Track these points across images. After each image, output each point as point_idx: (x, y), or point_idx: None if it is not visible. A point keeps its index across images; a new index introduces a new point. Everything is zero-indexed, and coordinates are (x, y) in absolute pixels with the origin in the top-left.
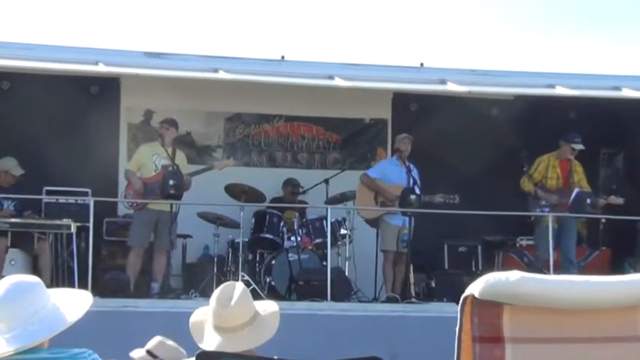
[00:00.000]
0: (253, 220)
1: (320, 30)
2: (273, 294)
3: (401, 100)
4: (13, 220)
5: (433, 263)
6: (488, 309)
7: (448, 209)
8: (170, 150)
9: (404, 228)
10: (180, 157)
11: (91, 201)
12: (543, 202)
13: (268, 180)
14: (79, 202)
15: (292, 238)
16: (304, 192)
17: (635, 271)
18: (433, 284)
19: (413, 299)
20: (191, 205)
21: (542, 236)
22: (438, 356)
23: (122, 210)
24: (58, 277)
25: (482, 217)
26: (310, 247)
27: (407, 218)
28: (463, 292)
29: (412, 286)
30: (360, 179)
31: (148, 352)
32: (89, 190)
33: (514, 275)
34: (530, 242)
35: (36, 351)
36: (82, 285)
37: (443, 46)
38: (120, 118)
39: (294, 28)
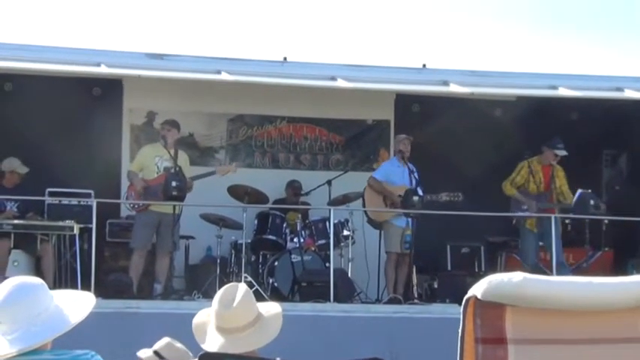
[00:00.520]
0: (256, 221)
1: (322, 31)
2: (276, 295)
3: (403, 101)
4: (16, 221)
5: (436, 264)
6: (491, 310)
7: (453, 207)
8: (172, 151)
9: (407, 229)
10: (183, 159)
11: (93, 202)
12: (525, 207)
13: (271, 181)
14: (82, 203)
15: (295, 240)
16: (306, 194)
17: (638, 272)
18: (436, 285)
19: (416, 300)
20: (194, 207)
21: (526, 239)
22: (441, 358)
23: (125, 211)
24: (61, 279)
25: (485, 218)
26: (313, 249)
27: (410, 219)
28: (466, 293)
29: (415, 288)
30: (368, 183)
31: (155, 352)
32: (92, 192)
33: (517, 276)
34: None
35: (39, 352)
36: (85, 286)
37: (445, 48)
38: (122, 119)
39: (297, 30)
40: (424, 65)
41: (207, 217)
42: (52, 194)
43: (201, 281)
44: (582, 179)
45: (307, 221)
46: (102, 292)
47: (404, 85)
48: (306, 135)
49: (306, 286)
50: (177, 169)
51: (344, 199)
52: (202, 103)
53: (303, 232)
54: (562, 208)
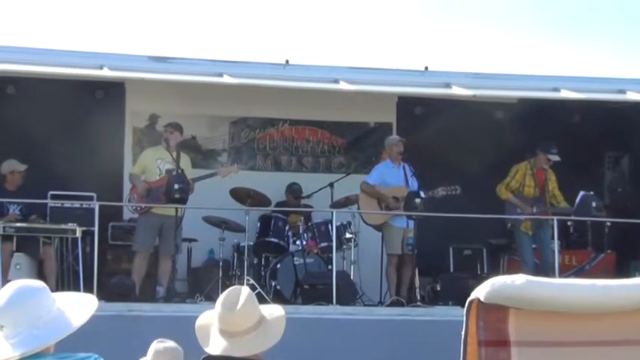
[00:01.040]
0: (258, 224)
1: (324, 34)
2: (279, 298)
3: (405, 104)
4: (18, 224)
5: (438, 266)
6: (494, 313)
7: (453, 202)
8: (175, 154)
9: (409, 231)
10: (185, 161)
11: (96, 205)
12: (519, 211)
13: (273, 184)
14: (84, 206)
15: (297, 242)
16: (308, 196)
17: None
18: (438, 288)
19: (418, 303)
20: (196, 209)
21: (522, 242)
22: None
23: (127, 214)
24: (64, 282)
25: (487, 220)
26: (315, 251)
27: (410, 220)
28: (468, 295)
29: (417, 290)
30: (361, 188)
31: None
32: (94, 195)
33: (520, 279)
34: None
35: (42, 355)
36: (88, 289)
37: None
38: (125, 122)
39: (299, 32)
40: (426, 68)
41: (209, 220)
42: (54, 197)
43: (203, 284)
44: (584, 181)
45: (309, 224)
46: (104, 294)
47: (406, 87)
48: (308, 137)
49: (309, 289)
50: (180, 171)
51: (346, 202)
52: (205, 106)
53: (305, 235)
54: (561, 212)
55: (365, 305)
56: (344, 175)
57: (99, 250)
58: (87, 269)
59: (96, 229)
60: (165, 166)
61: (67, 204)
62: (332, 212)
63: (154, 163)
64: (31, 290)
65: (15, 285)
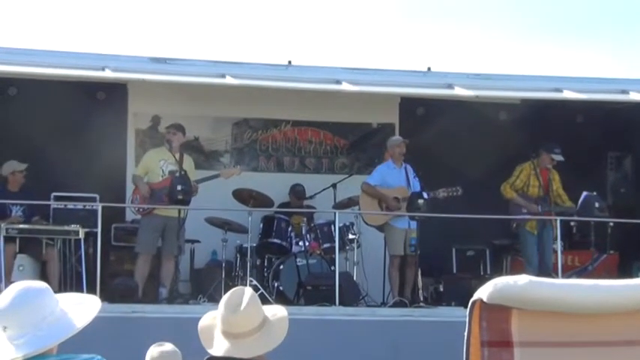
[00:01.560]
0: (261, 225)
1: (326, 35)
2: (282, 299)
3: (408, 105)
4: (21, 225)
5: (441, 267)
6: (497, 313)
7: (452, 203)
8: (177, 155)
9: (411, 231)
10: (188, 162)
11: (98, 207)
12: (524, 210)
13: (276, 185)
14: (87, 207)
15: (300, 243)
16: (310, 197)
17: None
18: (441, 288)
19: (421, 303)
20: (199, 211)
21: (527, 242)
22: None
23: (130, 215)
24: (67, 283)
25: (490, 221)
26: (318, 252)
27: (413, 221)
28: (471, 296)
29: (420, 291)
30: (362, 188)
31: None
32: (97, 196)
33: (522, 279)
34: None
35: (45, 356)
36: (91, 290)
37: (450, 51)
38: (127, 123)
39: (301, 33)
40: (429, 68)
41: (212, 221)
42: (57, 199)
43: (206, 285)
44: (587, 182)
45: (312, 225)
46: (107, 296)
47: (409, 88)
48: (310, 138)
49: (312, 290)
50: (183, 172)
51: (349, 203)
52: (207, 107)
53: (308, 236)
54: (565, 211)
55: (368, 306)
56: (346, 176)
57: (102, 252)
58: (90, 270)
59: (99, 230)
60: (168, 168)
61: (70, 205)
62: (335, 213)
63: (156, 165)
64: (34, 291)
65: (18, 286)
